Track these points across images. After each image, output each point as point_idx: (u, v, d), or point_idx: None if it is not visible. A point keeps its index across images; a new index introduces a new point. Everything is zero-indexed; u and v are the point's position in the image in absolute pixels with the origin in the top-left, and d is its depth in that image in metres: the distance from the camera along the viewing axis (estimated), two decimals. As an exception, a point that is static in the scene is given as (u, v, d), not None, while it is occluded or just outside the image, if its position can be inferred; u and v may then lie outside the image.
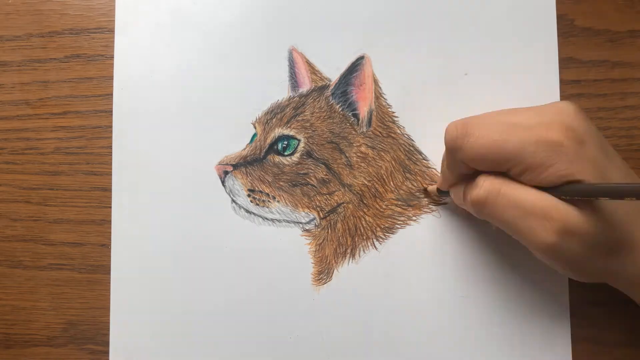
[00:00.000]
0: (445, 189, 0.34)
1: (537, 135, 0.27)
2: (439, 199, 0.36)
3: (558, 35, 0.37)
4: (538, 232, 0.27)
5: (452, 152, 0.30)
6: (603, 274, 0.29)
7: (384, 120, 0.37)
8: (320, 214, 0.37)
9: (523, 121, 0.28)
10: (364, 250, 0.37)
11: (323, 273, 0.37)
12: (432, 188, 0.36)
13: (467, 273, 0.36)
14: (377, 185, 0.37)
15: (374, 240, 0.37)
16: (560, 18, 0.37)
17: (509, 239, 0.36)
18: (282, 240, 0.37)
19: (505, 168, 0.28)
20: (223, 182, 0.37)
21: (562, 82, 0.37)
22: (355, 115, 0.37)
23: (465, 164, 0.30)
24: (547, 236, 0.27)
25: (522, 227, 0.28)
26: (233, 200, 0.37)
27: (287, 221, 0.37)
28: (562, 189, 0.27)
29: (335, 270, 0.37)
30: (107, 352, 0.37)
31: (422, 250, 0.36)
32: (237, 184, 0.37)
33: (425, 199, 0.37)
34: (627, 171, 0.29)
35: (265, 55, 0.38)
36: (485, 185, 0.29)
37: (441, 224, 0.36)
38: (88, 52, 0.39)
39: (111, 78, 0.39)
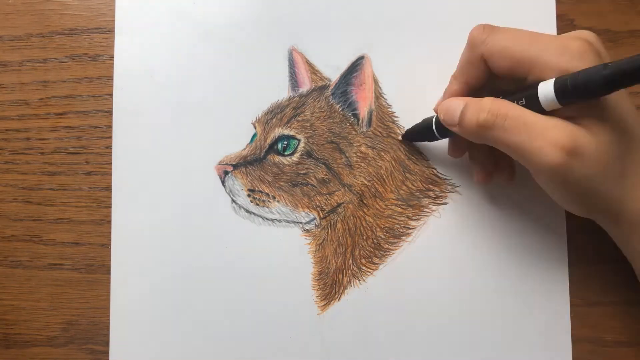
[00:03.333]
0: (451, 96, 0.33)
1: (562, 42, 0.28)
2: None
3: (558, 35, 0.37)
4: (547, 152, 0.27)
5: (476, 46, 0.30)
6: (609, 205, 0.29)
7: (384, 120, 0.37)
8: (320, 214, 0.37)
9: (547, 34, 0.29)
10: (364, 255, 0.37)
11: (323, 273, 0.37)
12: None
13: (467, 274, 0.36)
14: (377, 185, 0.37)
15: (376, 240, 0.37)
16: (560, 18, 0.37)
17: (509, 240, 0.36)
18: (282, 240, 0.37)
19: (525, 70, 0.29)
20: (223, 182, 0.37)
21: (562, 82, 0.37)
22: (355, 115, 0.37)
23: (483, 69, 0.30)
24: (555, 156, 0.27)
25: (530, 148, 0.28)
26: (233, 200, 0.37)
27: (287, 221, 0.37)
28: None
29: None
30: (107, 352, 0.37)
31: (423, 257, 0.36)
32: (237, 184, 0.37)
33: (426, 199, 0.37)
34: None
35: (265, 55, 0.38)
36: (494, 108, 0.29)
37: (438, 232, 0.36)
38: (88, 52, 0.39)
39: (111, 78, 0.39)
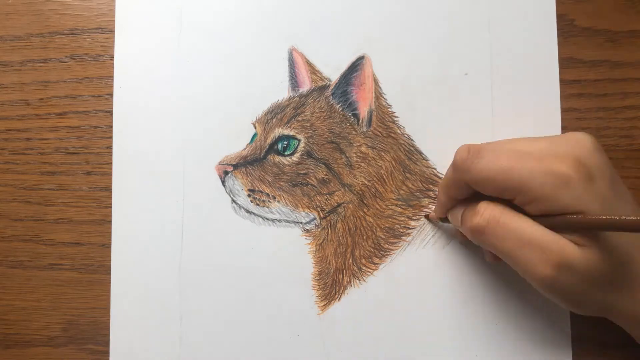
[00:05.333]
0: (442, 215, 0.34)
1: (547, 166, 0.27)
2: (441, 224, 0.36)
3: (558, 35, 0.37)
4: (535, 265, 0.27)
5: (460, 172, 0.30)
6: (602, 309, 0.29)
7: (384, 120, 0.37)
8: (321, 214, 0.37)
9: (535, 151, 0.28)
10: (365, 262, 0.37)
11: (323, 273, 0.37)
12: (432, 215, 0.36)
13: (467, 274, 0.36)
14: (377, 185, 0.37)
15: (377, 244, 0.37)
16: (560, 18, 0.37)
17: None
18: (282, 240, 0.37)
19: (511, 196, 0.28)
20: (223, 182, 0.37)
21: (562, 82, 0.37)
22: (356, 115, 0.37)
23: (469, 187, 0.30)
24: (544, 269, 0.27)
25: (519, 258, 0.28)
26: (233, 200, 0.37)
27: (287, 221, 0.37)
28: (562, 220, 0.27)
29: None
30: (107, 352, 0.37)
31: (423, 257, 0.36)
32: (237, 184, 0.37)
33: (426, 199, 0.37)
34: (635, 207, 0.29)
35: (265, 55, 0.38)
36: (486, 214, 0.29)
37: (438, 232, 0.37)
38: (88, 52, 0.39)
39: (111, 78, 0.39)
